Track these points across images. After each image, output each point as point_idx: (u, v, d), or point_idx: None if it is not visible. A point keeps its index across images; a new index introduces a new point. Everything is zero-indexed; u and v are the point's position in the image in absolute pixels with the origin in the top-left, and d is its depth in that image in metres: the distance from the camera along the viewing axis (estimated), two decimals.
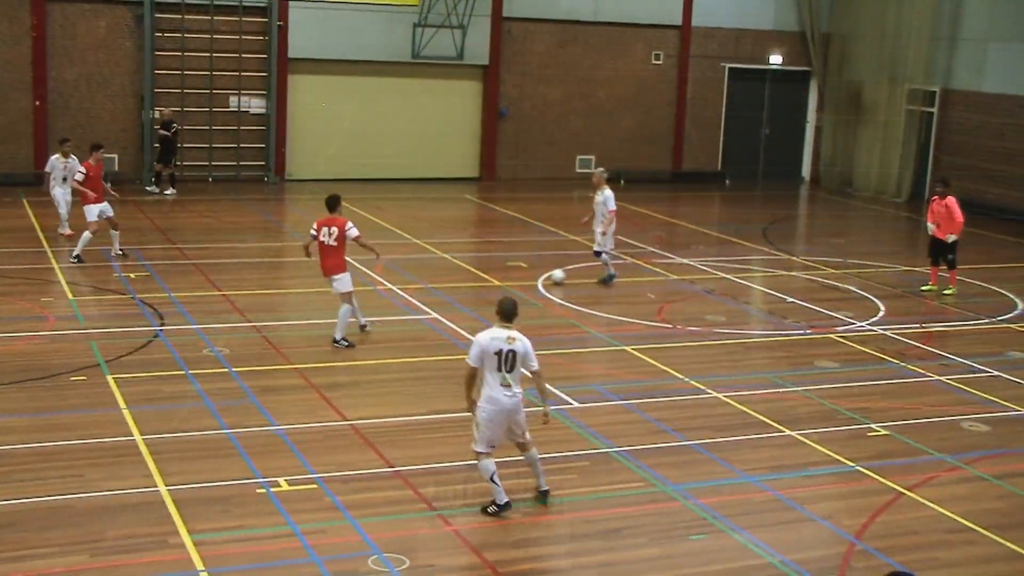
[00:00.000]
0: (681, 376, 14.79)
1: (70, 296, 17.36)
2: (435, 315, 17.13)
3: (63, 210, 21.63)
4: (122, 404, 12.87)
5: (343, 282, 15.59)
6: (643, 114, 32.73)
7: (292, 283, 19.73)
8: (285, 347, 15.29)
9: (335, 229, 15.47)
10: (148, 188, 27.20)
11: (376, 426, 12.55)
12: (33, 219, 23.15)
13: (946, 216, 19.85)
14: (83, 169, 20.14)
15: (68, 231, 21.49)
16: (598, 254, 19.72)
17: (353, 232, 15.54)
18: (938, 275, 20.22)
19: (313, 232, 15.64)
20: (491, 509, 10.59)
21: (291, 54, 28.98)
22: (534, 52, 31.40)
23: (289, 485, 10.89)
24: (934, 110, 31.00)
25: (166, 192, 26.96)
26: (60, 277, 18.46)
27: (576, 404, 13.53)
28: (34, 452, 11.47)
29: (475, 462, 10.69)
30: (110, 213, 20.08)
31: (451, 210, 27.07)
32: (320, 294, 18.40)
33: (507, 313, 10.66)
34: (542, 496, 10.87)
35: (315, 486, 10.91)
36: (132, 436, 11.95)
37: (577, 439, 12.49)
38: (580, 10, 31.44)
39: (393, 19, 29.54)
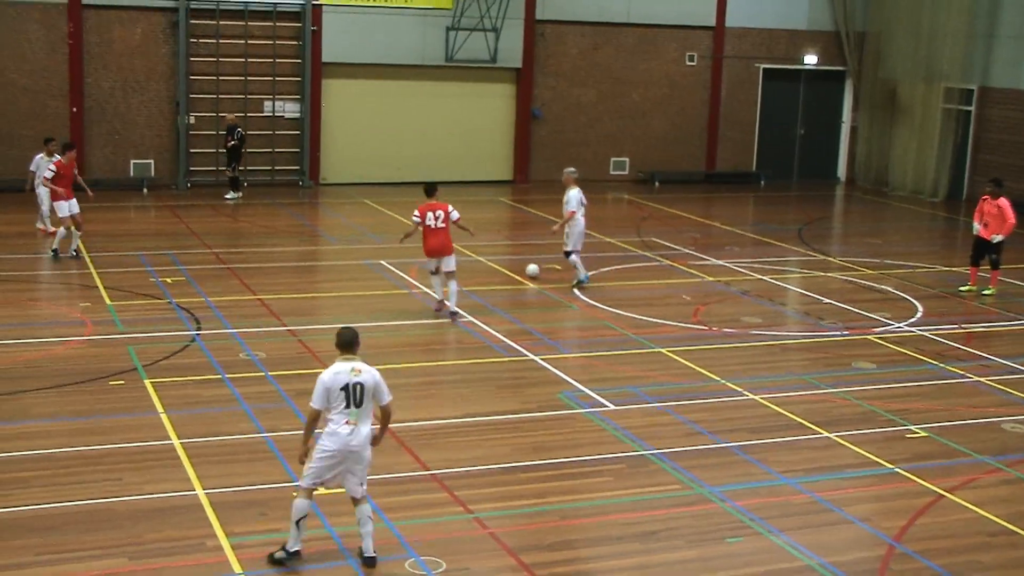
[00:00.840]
0: (717, 378, 14.74)
1: (108, 301, 17.50)
2: (470, 317, 17.15)
3: (44, 207, 22.10)
4: (160, 408, 12.96)
5: (452, 261, 17.12)
6: (677, 115, 32.66)
7: (327, 286, 19.82)
8: (321, 350, 15.35)
9: (440, 212, 17.00)
10: (227, 197, 27.41)
11: (411, 429, 12.58)
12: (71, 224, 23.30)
13: (997, 216, 19.72)
14: (53, 167, 20.42)
15: (49, 228, 22.01)
16: (568, 254, 19.47)
17: (455, 215, 17.12)
18: (977, 275, 20.06)
19: (416, 218, 17.06)
20: (278, 554, 9.45)
21: (325, 58, 29.11)
22: (567, 54, 31.40)
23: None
24: (971, 108, 30.77)
25: (227, 196, 27.17)
26: (98, 282, 18.61)
27: (611, 406, 13.51)
28: (74, 456, 11.58)
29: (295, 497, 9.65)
30: (76, 210, 20.47)
31: (484, 213, 27.08)
32: (355, 297, 18.51)
33: (346, 344, 9.64)
34: (368, 562, 9.54)
35: None
36: (170, 440, 12.03)
37: (613, 441, 12.48)
38: (613, 11, 31.42)
39: (426, 22, 29.62)
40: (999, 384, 14.91)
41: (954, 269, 21.97)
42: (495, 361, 15.22)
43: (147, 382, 13.81)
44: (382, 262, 20.71)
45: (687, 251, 22.79)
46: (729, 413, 13.54)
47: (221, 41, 28.34)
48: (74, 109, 27.50)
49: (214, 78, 28.41)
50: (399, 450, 11.97)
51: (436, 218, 16.98)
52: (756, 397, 14.06)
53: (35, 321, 16.38)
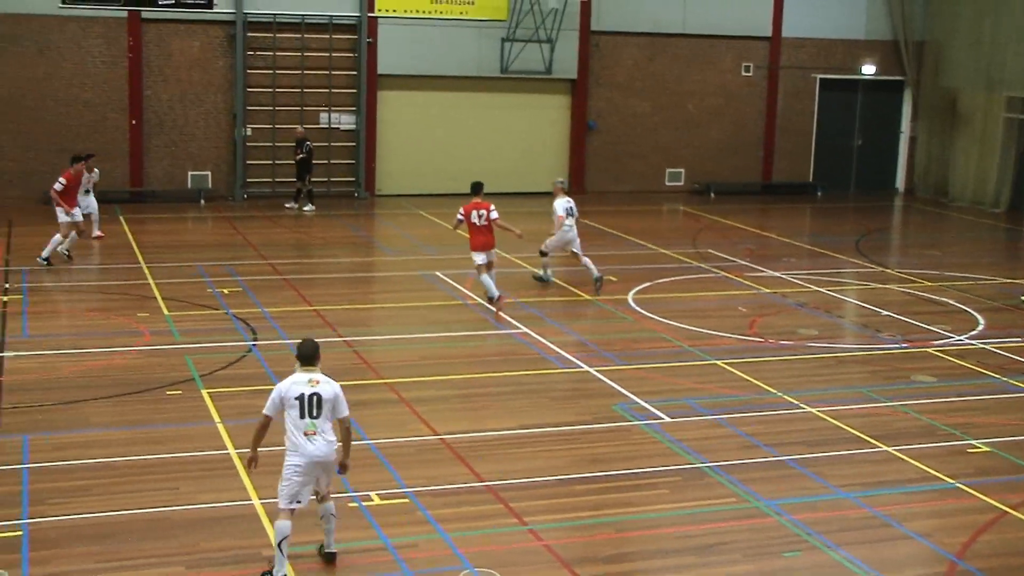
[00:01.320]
0: (773, 390, 14.61)
1: (166, 311, 17.68)
2: (525, 329, 17.14)
3: (94, 215, 22.86)
4: (216, 418, 13.06)
5: (494, 253, 18.34)
6: (732, 126, 32.51)
7: (382, 297, 19.90)
8: (376, 361, 15.40)
9: (484, 212, 18.05)
10: (287, 205, 27.62)
11: (467, 440, 12.58)
12: (129, 236, 23.62)
13: None
14: (63, 180, 20.84)
15: (99, 232, 22.93)
16: (543, 253, 20.11)
17: (494, 215, 18.13)
18: None
19: (460, 216, 18.30)
20: None
21: (380, 70, 29.28)
22: (622, 65, 31.36)
23: (381, 499, 10.96)
24: None
25: (305, 208, 27.41)
26: (156, 293, 18.81)
27: (667, 418, 13.43)
28: (131, 465, 11.69)
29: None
30: (79, 218, 21.05)
31: (539, 224, 27.01)
32: (410, 308, 18.56)
33: (306, 356, 9.69)
34: (327, 557, 9.66)
35: (406, 500, 10.96)
36: (226, 450, 12.12)
37: (668, 454, 12.40)
38: (668, 22, 31.35)
39: (481, 34, 29.71)
40: None
41: (1016, 281, 21.65)
42: (550, 372, 15.19)
43: (204, 392, 13.92)
44: (437, 273, 20.76)
45: (743, 263, 22.63)
46: (785, 426, 13.42)
47: (278, 53, 28.60)
48: (133, 121, 27.85)
49: (270, 90, 28.66)
50: (454, 461, 11.97)
51: (479, 216, 18.06)
52: (813, 410, 13.92)
53: (94, 331, 16.58)
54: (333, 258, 22.61)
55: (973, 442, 12.99)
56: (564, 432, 12.99)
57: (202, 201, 28.18)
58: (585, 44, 30.65)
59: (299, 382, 9.58)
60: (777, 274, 21.65)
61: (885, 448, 12.73)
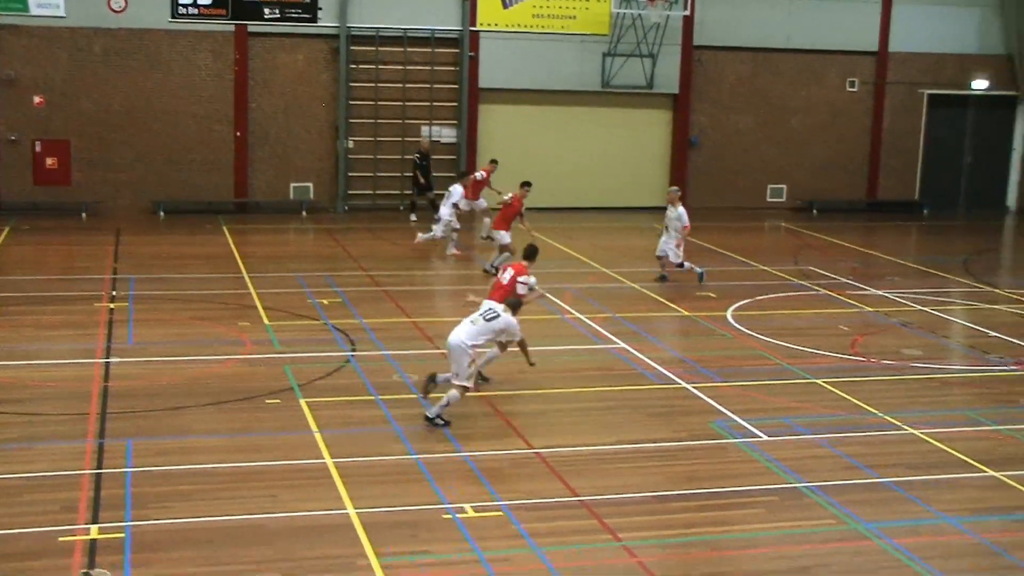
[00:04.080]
0: (875, 411, 14.38)
1: (266, 321, 17.96)
2: (623, 345, 17.09)
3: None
4: (314, 427, 13.23)
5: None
6: (837, 142, 32.11)
7: None
8: None
9: (510, 274, 15.40)
10: (412, 217, 28.13)
11: (562, 455, 12.58)
12: (232, 246, 24.07)
13: None
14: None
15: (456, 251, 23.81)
16: (680, 266, 21.28)
17: (520, 288, 15.04)
18: None
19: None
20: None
21: (482, 84, 29.48)
22: (725, 80, 31.17)
23: (475, 511, 11.01)
24: None
25: (412, 217, 28.01)
26: (257, 303, 19.13)
27: (764, 437, 13.29)
28: (231, 472, 11.89)
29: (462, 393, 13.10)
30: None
31: (640, 239, 26.96)
32: None
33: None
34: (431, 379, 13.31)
35: (500, 513, 10.99)
36: (323, 459, 12.27)
37: (766, 473, 12.26)
38: (773, 37, 31.08)
39: (583, 48, 29.76)
40: None
41: None
42: (647, 388, 15.13)
43: (302, 401, 14.11)
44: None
45: (846, 281, 22.32)
46: (887, 448, 13.19)
47: (380, 67, 28.94)
48: (238, 133, 28.39)
49: (373, 103, 29.01)
50: (549, 476, 11.97)
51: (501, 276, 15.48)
52: (916, 432, 13.66)
53: (197, 340, 16.91)
54: (432, 271, 22.77)
55: None
56: (660, 448, 12.93)
57: (304, 212, 28.61)
58: (688, 59, 30.53)
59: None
60: (881, 293, 21.31)
61: (992, 473, 12.45)
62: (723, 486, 11.87)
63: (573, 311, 19.06)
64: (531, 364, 14.31)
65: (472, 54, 29.25)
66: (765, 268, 23.20)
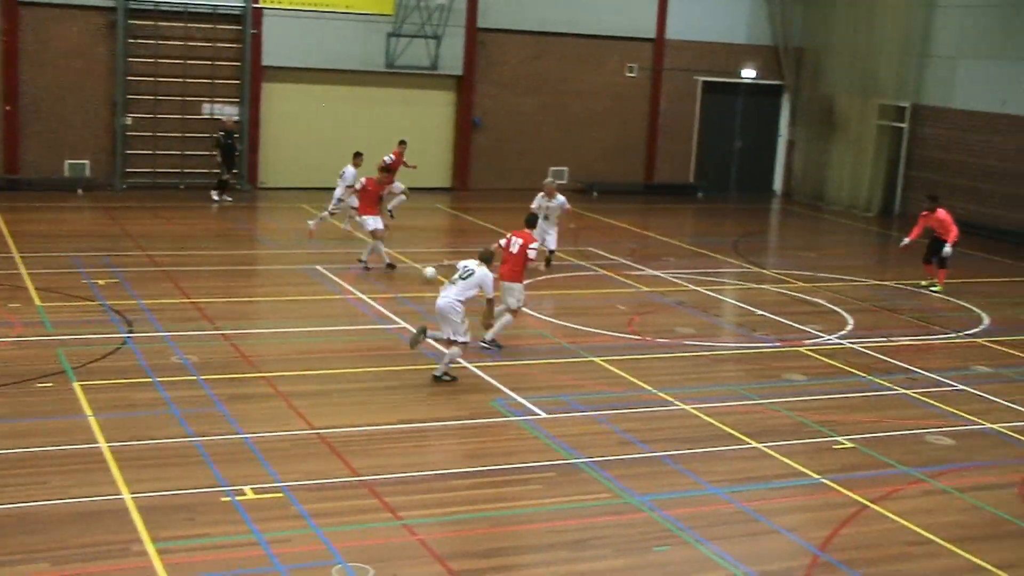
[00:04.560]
0: (650, 388, 14.83)
1: (38, 303, 17.27)
2: (405, 325, 17.12)
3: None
4: (88, 411, 12.80)
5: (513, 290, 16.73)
6: (617, 126, 32.85)
7: (262, 291, 19.69)
8: (253, 355, 15.26)
9: (519, 241, 16.46)
10: (217, 197, 27.33)
11: (343, 435, 12.53)
12: (2, 224, 23.00)
13: (944, 227, 21.35)
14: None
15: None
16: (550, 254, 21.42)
17: (532, 252, 16.43)
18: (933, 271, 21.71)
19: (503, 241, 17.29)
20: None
21: (265, 62, 28.96)
22: (508, 63, 31.48)
23: (255, 494, 10.87)
24: (904, 125, 31.25)
25: (225, 198, 27.24)
26: (28, 283, 18.36)
27: (544, 414, 13.55)
28: None
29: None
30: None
31: (424, 219, 27.06)
32: (291, 302, 18.41)
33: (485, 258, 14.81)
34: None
35: (281, 495, 10.88)
36: (98, 443, 11.89)
37: (544, 449, 12.51)
38: (554, 21, 31.54)
39: (367, 28, 29.57)
40: (924, 397, 15.14)
41: (885, 283, 22.29)
42: (428, 368, 15.19)
43: (76, 384, 13.64)
44: (319, 267, 20.63)
45: (624, 261, 22.91)
46: (660, 423, 13.63)
47: (160, 42, 28.10)
48: (8, 108, 27.11)
49: (152, 79, 28.15)
50: (330, 456, 11.92)
51: (515, 245, 16.30)
52: (688, 407, 14.17)
53: None
54: (213, 251, 22.30)
55: (839, 439, 13.35)
56: (441, 427, 13.04)
57: (80, 191, 27.56)
58: (472, 41, 30.71)
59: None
60: (657, 273, 21.96)
61: (756, 445, 13.01)
62: (503, 463, 12.06)
63: (356, 291, 18.99)
64: (487, 326, 15.59)
65: (255, 31, 28.69)
66: (551, 248, 23.55)
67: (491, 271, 14.85)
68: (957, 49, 29.82)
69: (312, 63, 29.45)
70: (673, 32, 32.81)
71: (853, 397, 15.06)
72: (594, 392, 14.57)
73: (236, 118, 28.65)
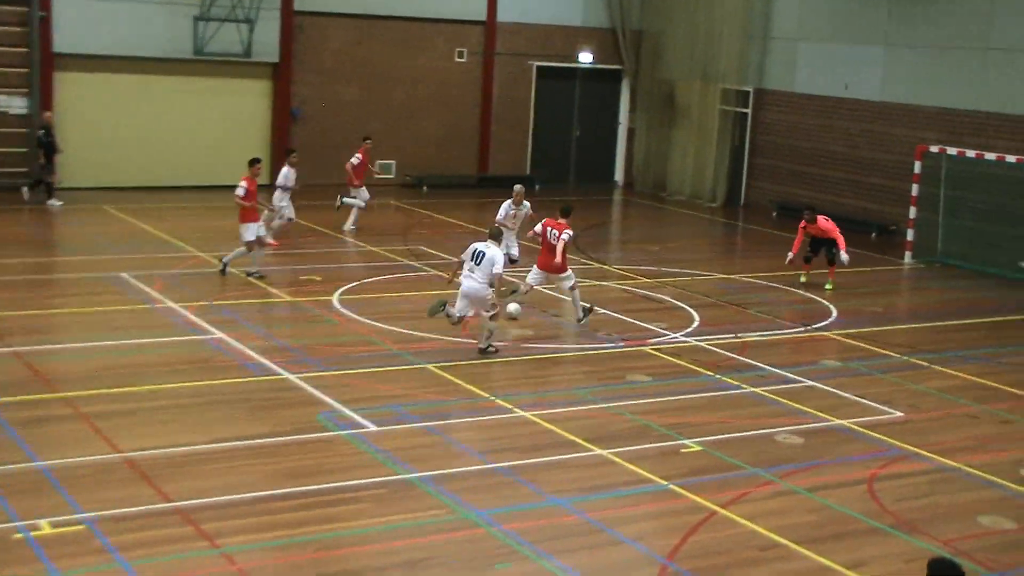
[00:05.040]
0: (486, 394, 14.92)
1: None
2: (220, 334, 16.86)
3: None
4: None
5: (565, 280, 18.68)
6: (447, 115, 32.92)
7: (60, 302, 19.11)
8: (51, 373, 14.82)
9: (555, 232, 18.37)
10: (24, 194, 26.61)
11: (153, 458, 12.27)
12: None
13: (829, 234, 22.05)
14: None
15: None
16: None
17: (565, 236, 18.40)
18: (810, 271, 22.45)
19: (538, 228, 18.86)
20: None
21: (56, 48, 28.12)
22: (328, 49, 31.27)
23: (52, 528, 10.55)
24: (748, 111, 32.11)
25: (53, 202, 26.41)
26: None
27: (373, 427, 13.50)
28: None
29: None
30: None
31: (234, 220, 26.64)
32: (93, 314, 17.94)
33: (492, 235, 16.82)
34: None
35: (82, 527, 10.59)
36: None
37: (374, 465, 12.47)
38: (377, 3, 31.47)
39: (172, 11, 28.97)
40: (773, 394, 15.59)
41: (732, 277, 22.86)
42: (247, 381, 14.99)
43: None
44: (123, 275, 20.14)
45: (456, 260, 22.94)
46: (498, 432, 13.72)
47: None
48: None
49: None
50: (139, 482, 11.66)
51: (552, 235, 18.34)
52: (527, 414, 14.29)
53: None
54: (4, 259, 21.55)
55: (686, 442, 13.64)
56: (262, 445, 12.87)
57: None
58: (288, 25, 30.37)
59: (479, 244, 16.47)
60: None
61: (600, 451, 13.20)
62: (329, 481, 11.96)
63: (165, 299, 18.62)
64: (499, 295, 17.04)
65: (43, 14, 27.81)
66: (373, 249, 23.53)
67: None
68: (798, 31, 30.78)
69: (110, 50, 28.70)
70: (505, 14, 33.05)
71: (700, 397, 15.42)
72: (427, 401, 14.58)
73: (10, 109, 27.76)
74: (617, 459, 13.01)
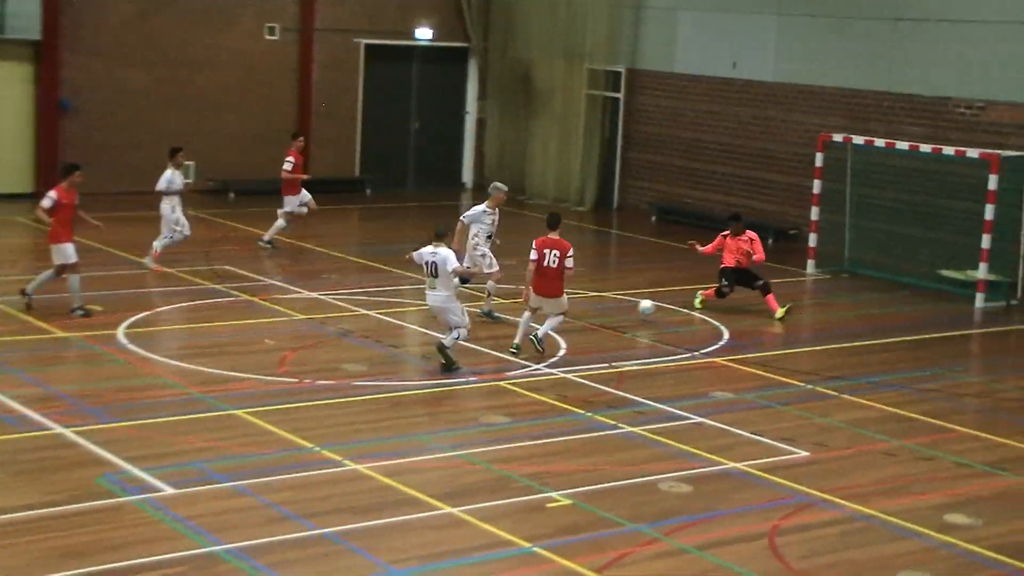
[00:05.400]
0: (310, 445, 14.84)
1: None
2: None
3: None
4: None
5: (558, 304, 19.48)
6: (257, 106, 32.74)
7: None
8: None
9: (557, 252, 19.09)
10: None
11: None
12: None
13: (754, 247, 22.21)
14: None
15: None
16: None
17: (569, 262, 19.25)
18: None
19: (533, 256, 19.22)
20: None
21: None
22: (105, 25, 30.87)
23: None
24: (620, 95, 32.49)
25: None
26: None
27: (170, 490, 13.32)
28: None
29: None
30: None
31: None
32: None
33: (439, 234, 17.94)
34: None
35: None
36: None
37: (172, 537, 12.29)
38: None
39: None
40: (654, 434, 15.78)
41: (605, 295, 23.09)
42: (7, 439, 14.67)
43: None
44: None
45: (271, 281, 22.87)
46: (326, 490, 13.64)
47: None
48: None
49: None
50: None
51: (552, 257, 19.03)
52: (360, 467, 14.24)
53: None
54: None
55: (552, 494, 13.72)
56: (27, 519, 12.57)
57: None
58: None
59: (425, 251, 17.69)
60: (315, 295, 22.00)
61: (449, 510, 13.20)
62: (116, 560, 11.74)
63: None
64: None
65: None
66: (168, 270, 23.27)
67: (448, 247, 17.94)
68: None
69: None
70: None
71: (569, 440, 15.53)
72: (237, 455, 14.45)
73: None
74: (470, 518, 13.02)
